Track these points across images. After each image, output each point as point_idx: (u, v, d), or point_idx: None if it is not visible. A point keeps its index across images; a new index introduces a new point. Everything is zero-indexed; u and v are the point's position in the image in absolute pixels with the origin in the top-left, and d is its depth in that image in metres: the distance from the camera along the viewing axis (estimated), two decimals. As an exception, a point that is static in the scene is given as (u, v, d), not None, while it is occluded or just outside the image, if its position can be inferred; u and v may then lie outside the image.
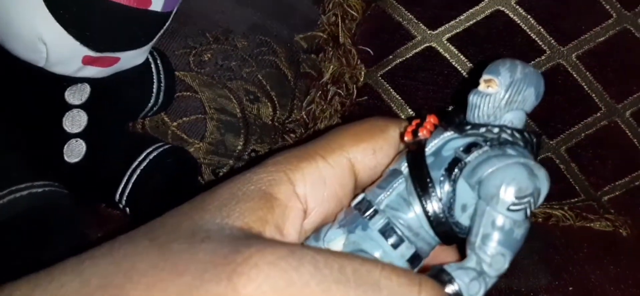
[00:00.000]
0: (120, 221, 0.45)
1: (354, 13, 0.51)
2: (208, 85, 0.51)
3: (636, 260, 0.49)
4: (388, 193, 0.26)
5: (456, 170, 0.24)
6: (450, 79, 0.49)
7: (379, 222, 0.25)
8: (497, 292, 0.44)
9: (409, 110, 0.51)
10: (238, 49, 0.52)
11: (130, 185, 0.42)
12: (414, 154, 0.26)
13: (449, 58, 0.48)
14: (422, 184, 0.25)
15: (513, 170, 0.23)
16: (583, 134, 0.49)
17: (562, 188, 0.52)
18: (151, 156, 0.43)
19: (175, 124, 0.50)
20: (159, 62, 0.47)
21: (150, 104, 0.47)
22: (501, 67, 0.26)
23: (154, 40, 0.43)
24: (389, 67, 0.50)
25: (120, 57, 0.41)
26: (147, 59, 0.46)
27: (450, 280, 0.23)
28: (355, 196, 0.27)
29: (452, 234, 0.25)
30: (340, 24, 0.51)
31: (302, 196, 0.26)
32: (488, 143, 0.25)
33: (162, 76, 0.47)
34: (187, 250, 0.22)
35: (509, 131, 0.25)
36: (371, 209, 0.26)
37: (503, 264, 0.23)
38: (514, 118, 0.26)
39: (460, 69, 0.48)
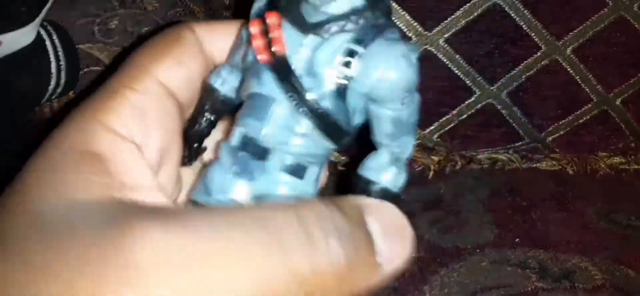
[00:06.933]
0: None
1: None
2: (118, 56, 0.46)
3: (583, 202, 0.48)
4: (268, 125, 0.23)
5: (342, 83, 0.22)
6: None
7: (275, 160, 0.23)
8: (443, 251, 0.42)
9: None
10: (149, 12, 0.48)
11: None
12: (281, 75, 0.23)
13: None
14: (308, 110, 0.23)
15: (396, 66, 0.22)
16: (524, 77, 0.47)
17: (505, 133, 0.50)
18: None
19: (85, 103, 0.45)
20: (54, 37, 0.42)
21: (51, 87, 0.42)
22: None
23: (42, 14, 0.38)
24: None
25: (2, 40, 0.36)
26: (40, 35, 0.41)
27: (374, 184, 0.23)
28: (229, 132, 0.25)
29: (349, 138, 0.24)
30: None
31: (127, 135, 0.23)
32: (360, 40, 0.22)
33: (60, 53, 0.42)
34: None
35: (369, 14, 0.22)
36: (260, 149, 0.23)
37: (412, 144, 0.24)
38: None
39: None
